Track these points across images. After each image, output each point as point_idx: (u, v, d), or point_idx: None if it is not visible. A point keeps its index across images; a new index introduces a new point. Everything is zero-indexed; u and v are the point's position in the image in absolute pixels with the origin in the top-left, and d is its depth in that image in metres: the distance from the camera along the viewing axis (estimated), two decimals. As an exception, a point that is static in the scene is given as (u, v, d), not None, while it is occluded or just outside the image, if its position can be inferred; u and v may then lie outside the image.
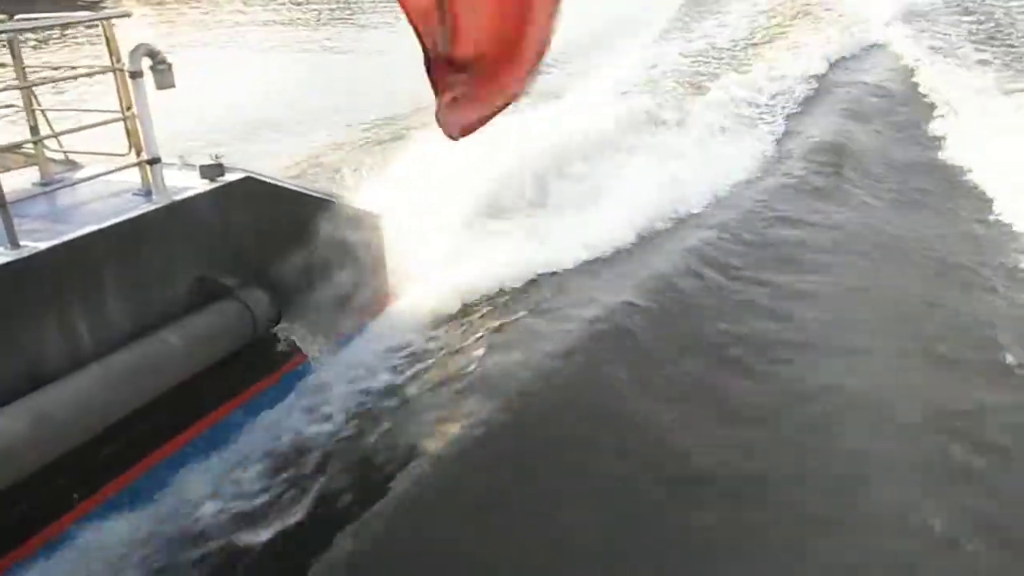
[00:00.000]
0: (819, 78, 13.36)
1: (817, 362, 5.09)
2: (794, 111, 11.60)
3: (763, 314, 5.71)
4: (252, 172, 4.48)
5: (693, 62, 14.99)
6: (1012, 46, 15.52)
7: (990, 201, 7.62)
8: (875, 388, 4.80)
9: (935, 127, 10.43)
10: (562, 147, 8.41)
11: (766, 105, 11.75)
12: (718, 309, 5.77)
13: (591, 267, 6.44)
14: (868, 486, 3.98)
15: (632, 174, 8.05)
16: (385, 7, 23.92)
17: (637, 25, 19.86)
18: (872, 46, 16.21)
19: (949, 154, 9.29)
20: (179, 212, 4.02)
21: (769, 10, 21.92)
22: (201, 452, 4.14)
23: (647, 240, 7.01)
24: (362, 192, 6.68)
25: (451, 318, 5.66)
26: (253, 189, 4.45)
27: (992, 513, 3.77)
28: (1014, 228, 7.00)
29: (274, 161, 8.85)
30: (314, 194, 5.02)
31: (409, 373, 5.01)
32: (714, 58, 15.41)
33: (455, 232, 6.56)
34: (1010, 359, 4.97)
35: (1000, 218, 7.26)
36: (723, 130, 10.25)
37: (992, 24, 19.44)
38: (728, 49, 16.40)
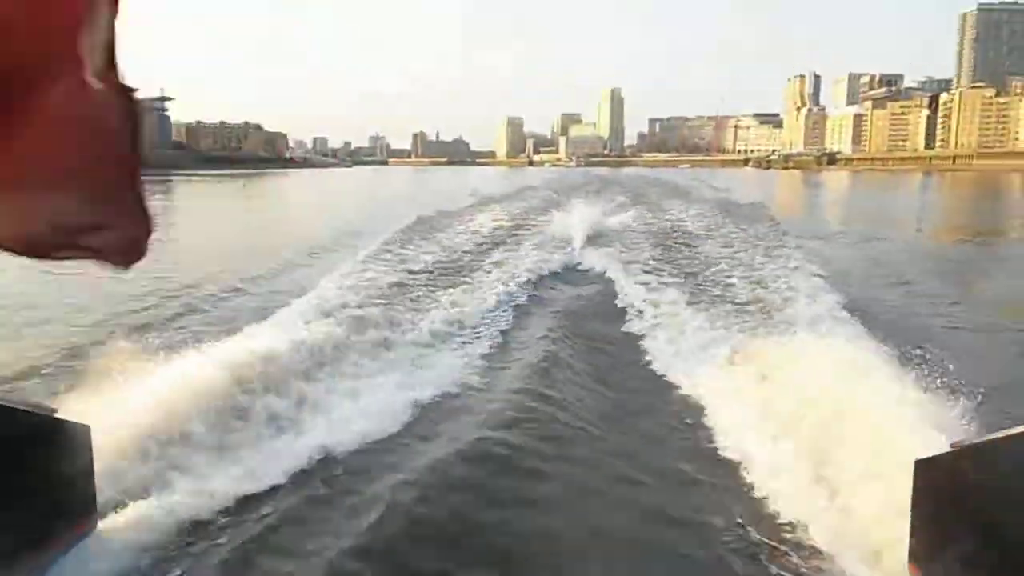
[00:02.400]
0: (523, 295, 14.16)
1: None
2: (493, 334, 11.52)
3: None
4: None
5: (392, 288, 14.45)
6: (685, 263, 18.40)
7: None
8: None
9: (632, 337, 11.29)
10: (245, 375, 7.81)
11: (461, 331, 11.60)
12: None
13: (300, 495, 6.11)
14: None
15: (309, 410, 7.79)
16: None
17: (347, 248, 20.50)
18: (573, 264, 18.33)
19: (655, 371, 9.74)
20: None
21: (485, 232, 24.35)
22: None
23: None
24: (70, 402, 6.08)
25: (161, 542, 5.17)
26: None
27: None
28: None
29: None
30: (13, 405, 4.54)
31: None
32: (413, 285, 15.10)
33: (166, 448, 6.18)
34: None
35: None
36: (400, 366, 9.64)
37: (665, 239, 23.35)
38: (428, 274, 16.47)
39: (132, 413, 6.21)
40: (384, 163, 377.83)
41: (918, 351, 9.15)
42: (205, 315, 13.23)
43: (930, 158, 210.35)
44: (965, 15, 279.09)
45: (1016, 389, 9.31)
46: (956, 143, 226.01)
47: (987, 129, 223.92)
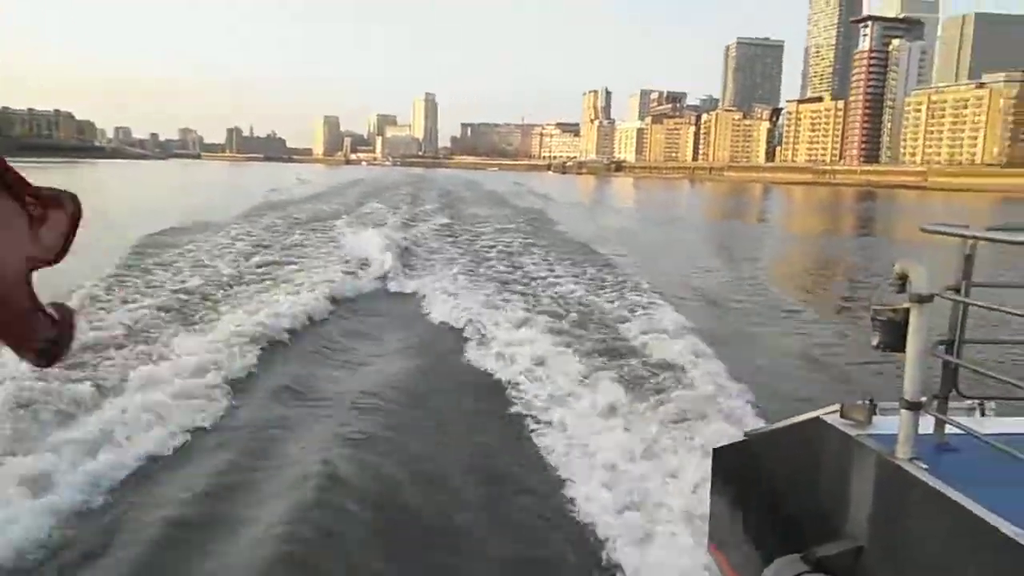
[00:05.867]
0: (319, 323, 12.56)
1: None
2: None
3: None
4: None
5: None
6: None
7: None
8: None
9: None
10: None
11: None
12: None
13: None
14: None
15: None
16: None
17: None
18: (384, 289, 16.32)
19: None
20: None
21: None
22: None
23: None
24: None
25: None
26: None
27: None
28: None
29: None
30: None
31: None
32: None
33: None
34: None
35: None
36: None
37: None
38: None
39: None
40: (197, 157, 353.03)
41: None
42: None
43: (693, 168, 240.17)
44: (728, 47, 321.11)
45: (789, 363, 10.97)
46: (713, 157, 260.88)
47: (736, 146, 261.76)
